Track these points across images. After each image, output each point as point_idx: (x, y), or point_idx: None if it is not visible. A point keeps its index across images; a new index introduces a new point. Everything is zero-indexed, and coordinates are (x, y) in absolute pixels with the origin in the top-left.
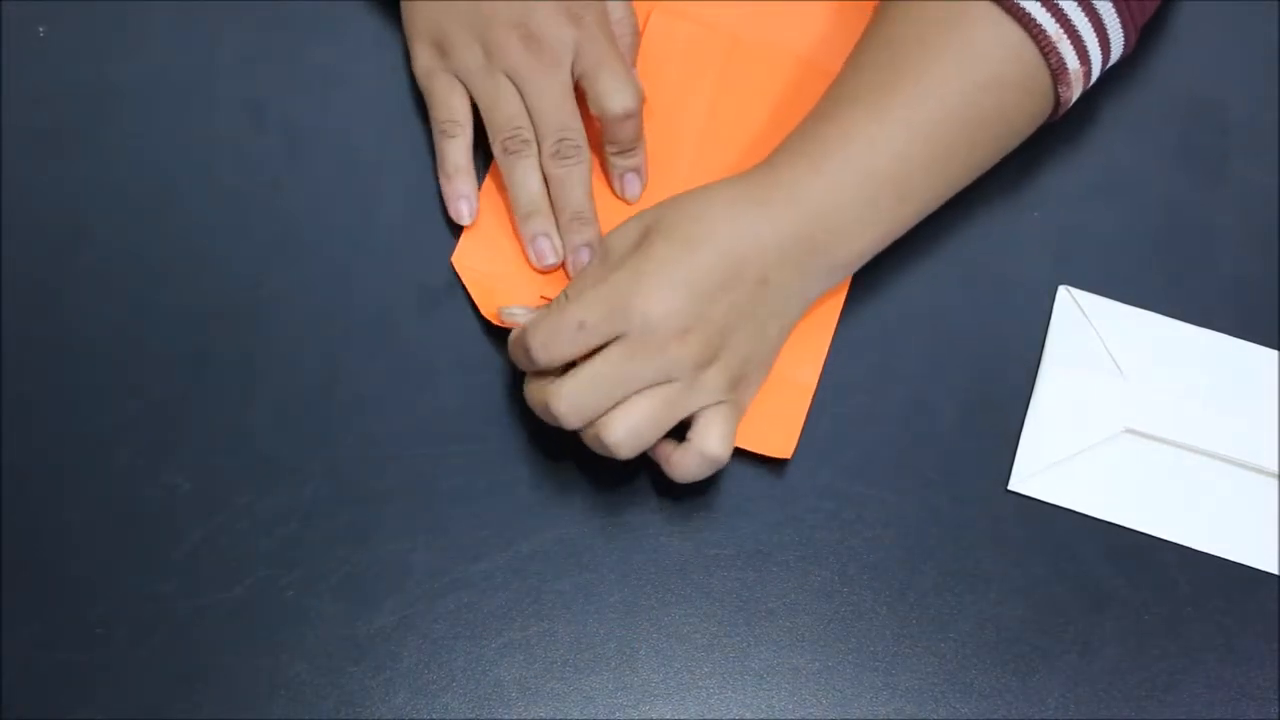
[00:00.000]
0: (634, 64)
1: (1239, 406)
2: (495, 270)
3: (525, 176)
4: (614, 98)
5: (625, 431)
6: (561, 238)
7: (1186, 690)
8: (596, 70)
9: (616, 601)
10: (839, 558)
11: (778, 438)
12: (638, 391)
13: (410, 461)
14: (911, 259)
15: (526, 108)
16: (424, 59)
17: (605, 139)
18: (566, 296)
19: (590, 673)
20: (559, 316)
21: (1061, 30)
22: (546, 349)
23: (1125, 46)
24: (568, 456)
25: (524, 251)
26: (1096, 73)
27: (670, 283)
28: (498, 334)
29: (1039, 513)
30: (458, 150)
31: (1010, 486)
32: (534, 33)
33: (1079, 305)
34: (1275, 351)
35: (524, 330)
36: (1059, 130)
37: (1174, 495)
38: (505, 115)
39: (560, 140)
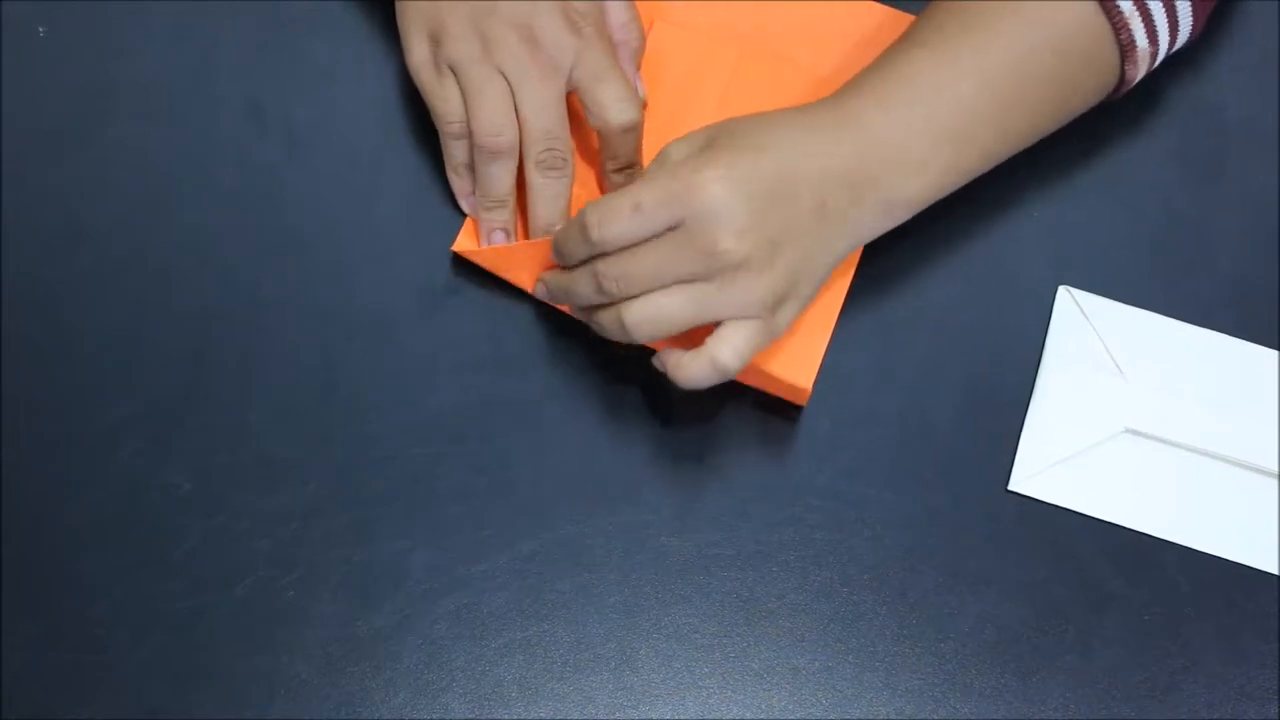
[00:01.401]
0: (640, 68)
1: (1239, 406)
2: (497, 250)
3: (499, 177)
4: (615, 109)
5: (649, 316)
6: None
7: (1186, 690)
8: (597, 81)
9: (616, 602)
10: (839, 558)
11: (796, 373)
12: (677, 282)
13: (410, 461)
14: (912, 258)
15: (515, 109)
16: (419, 51)
17: (605, 154)
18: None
19: (590, 673)
20: (618, 196)
21: (1134, 7)
22: (601, 225)
23: (1193, 31)
24: (568, 456)
25: (522, 230)
26: (1163, 54)
27: (732, 180)
28: (497, 334)
29: (1039, 513)
30: (464, 148)
31: (1010, 486)
32: (535, 34)
33: (1079, 305)
34: (1275, 351)
35: (583, 208)
36: (1059, 130)
37: (1174, 495)
38: (490, 114)
39: (548, 149)
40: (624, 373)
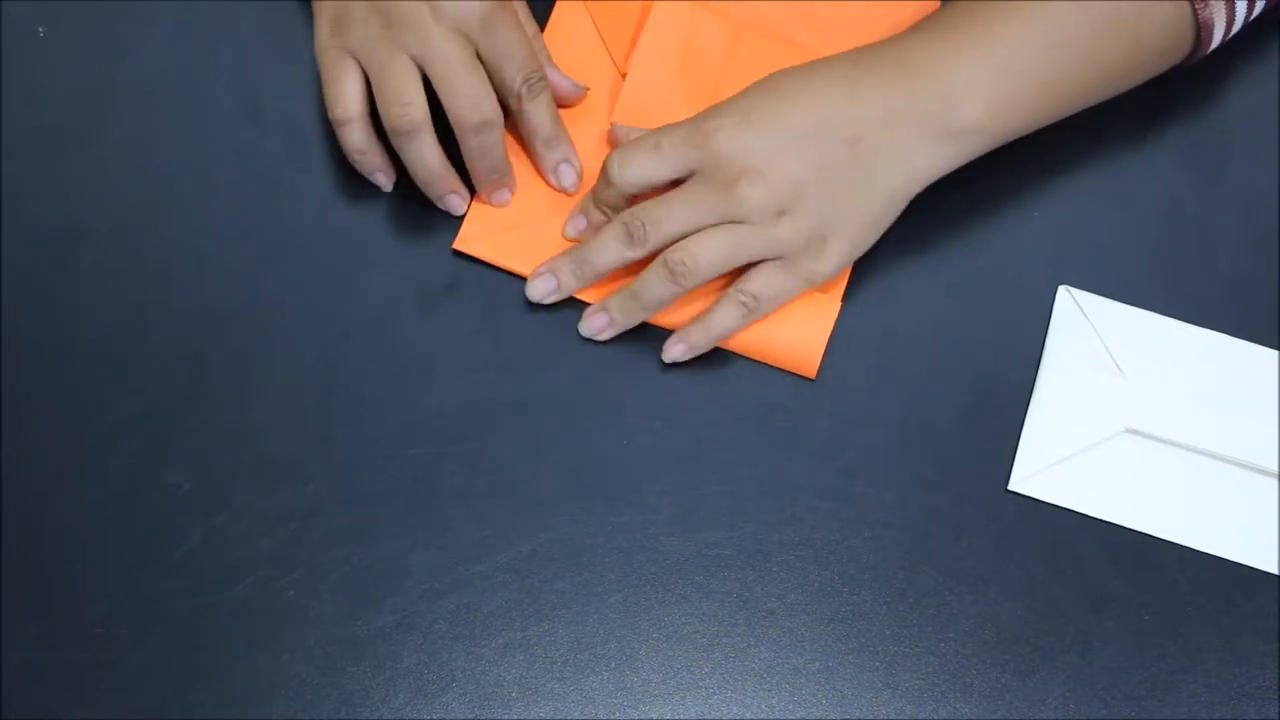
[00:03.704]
0: (632, 49)
1: (1239, 406)
2: (506, 233)
3: (420, 154)
4: (518, 83)
5: (691, 252)
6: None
7: (1186, 690)
8: (499, 60)
9: (616, 601)
10: (839, 558)
11: (801, 355)
12: (707, 226)
13: (410, 461)
14: (911, 258)
15: (426, 83)
16: (321, 35)
17: (521, 126)
18: None
19: (590, 673)
20: (640, 140)
21: None
22: (622, 163)
23: None
24: (568, 456)
25: (531, 206)
26: (1241, 10)
27: (748, 123)
28: (497, 334)
29: (1039, 513)
30: (355, 132)
31: (1010, 486)
32: (438, 7)
33: (1079, 305)
34: (1275, 351)
35: (608, 155)
36: (1059, 129)
37: (1174, 495)
38: (395, 89)
39: (474, 106)
40: (624, 373)
